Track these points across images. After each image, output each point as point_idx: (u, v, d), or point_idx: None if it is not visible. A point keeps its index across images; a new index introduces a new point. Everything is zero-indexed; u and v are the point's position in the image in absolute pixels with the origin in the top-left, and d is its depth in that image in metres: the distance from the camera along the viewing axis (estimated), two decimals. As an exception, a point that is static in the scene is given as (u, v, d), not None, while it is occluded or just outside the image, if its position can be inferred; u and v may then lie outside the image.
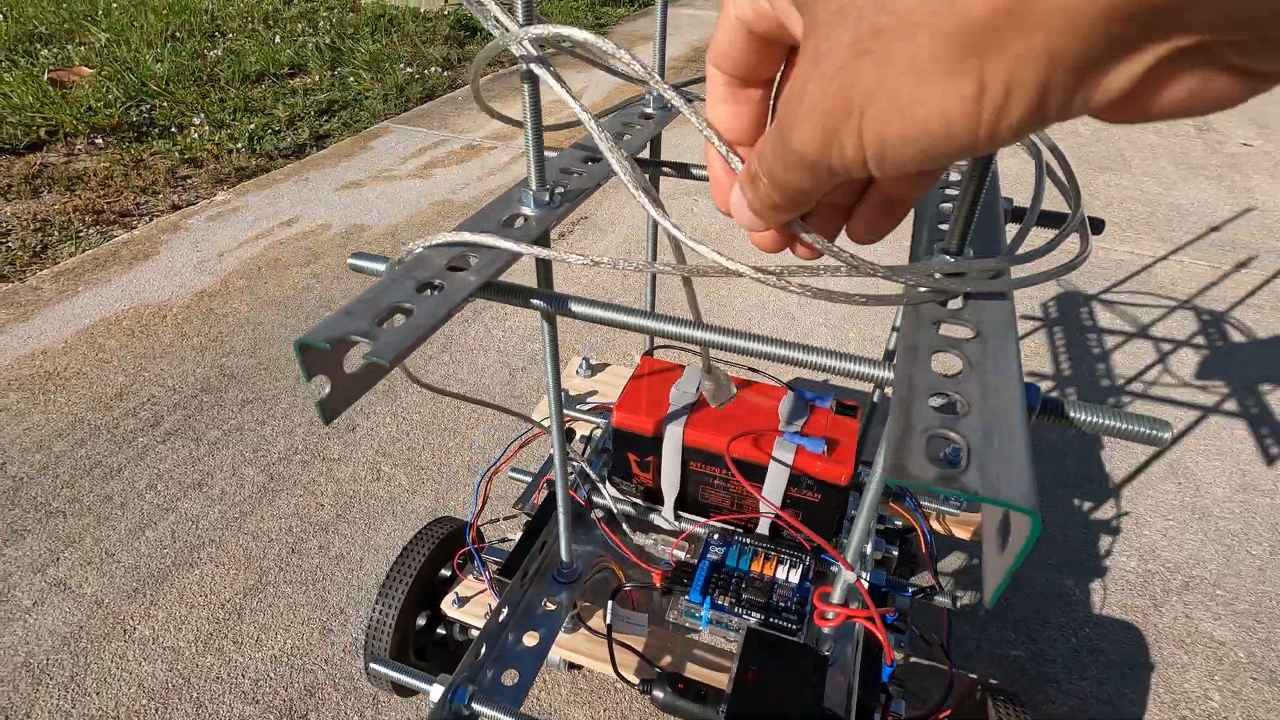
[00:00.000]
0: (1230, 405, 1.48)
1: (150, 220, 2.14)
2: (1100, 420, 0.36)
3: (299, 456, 1.32)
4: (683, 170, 0.67)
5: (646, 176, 0.41)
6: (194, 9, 4.31)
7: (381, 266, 0.47)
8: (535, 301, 0.45)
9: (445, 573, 0.91)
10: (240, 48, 3.65)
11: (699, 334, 0.43)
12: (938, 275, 0.40)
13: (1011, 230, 0.57)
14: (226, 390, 1.47)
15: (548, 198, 0.50)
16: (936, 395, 0.33)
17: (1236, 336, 1.69)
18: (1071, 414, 0.37)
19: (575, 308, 0.45)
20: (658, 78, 0.38)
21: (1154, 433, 0.36)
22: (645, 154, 0.71)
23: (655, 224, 0.77)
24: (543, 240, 0.50)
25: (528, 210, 0.49)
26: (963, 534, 0.85)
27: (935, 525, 0.85)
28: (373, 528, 1.19)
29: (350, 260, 0.49)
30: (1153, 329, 1.72)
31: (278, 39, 3.81)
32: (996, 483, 0.28)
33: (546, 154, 0.58)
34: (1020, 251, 0.44)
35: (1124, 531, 1.21)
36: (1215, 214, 2.26)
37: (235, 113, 2.90)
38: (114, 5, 4.32)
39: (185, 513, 1.21)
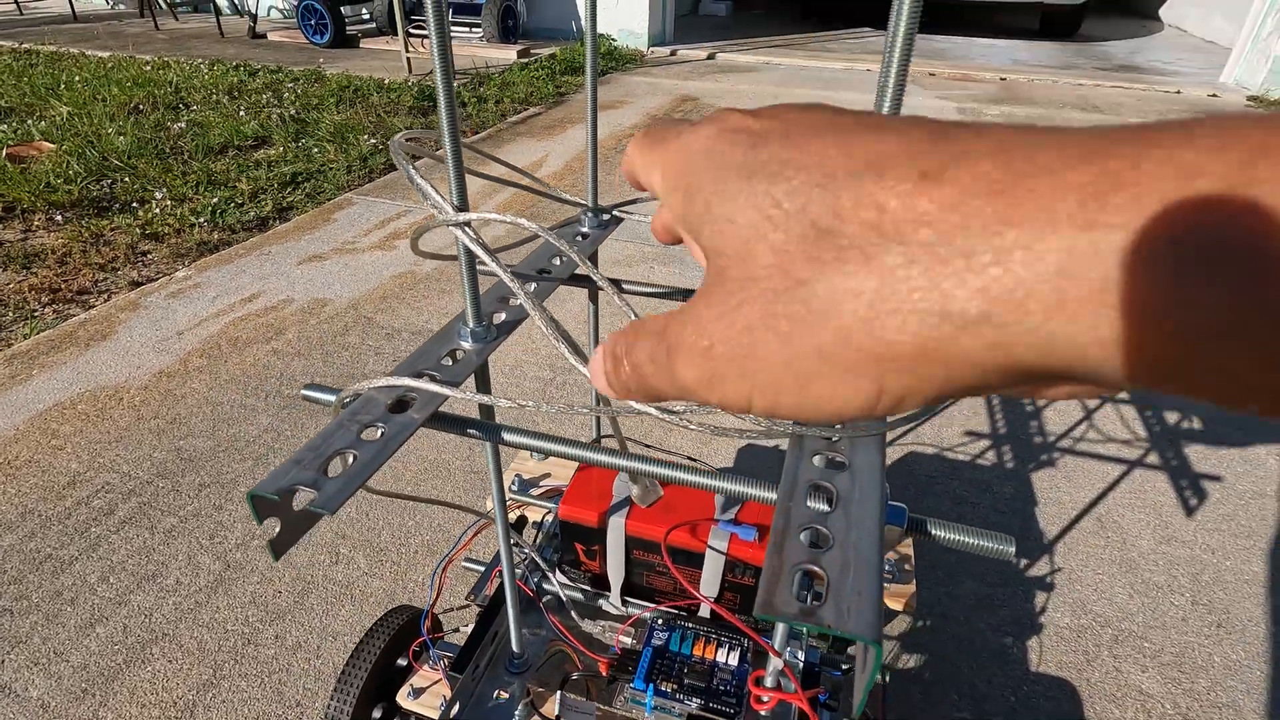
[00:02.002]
0: (1152, 458, 1.58)
1: (108, 299, 2.14)
2: (957, 536, 0.42)
3: (256, 542, 1.32)
4: (616, 285, 0.74)
5: (563, 329, 0.47)
6: (158, 81, 4.37)
7: (331, 398, 0.51)
8: (472, 432, 0.50)
9: (401, 662, 0.93)
10: (204, 120, 3.71)
11: (622, 462, 0.48)
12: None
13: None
14: (183, 475, 1.47)
15: (483, 332, 0.55)
16: (808, 529, 0.38)
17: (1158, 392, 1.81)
18: (933, 531, 0.43)
19: (509, 437, 0.50)
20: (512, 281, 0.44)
21: (1000, 546, 0.42)
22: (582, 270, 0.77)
23: (595, 322, 0.83)
24: (481, 371, 0.56)
25: (465, 344, 0.55)
26: (895, 605, 0.90)
27: (869, 598, 0.90)
28: (330, 614, 1.20)
29: (303, 392, 0.53)
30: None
31: (242, 111, 3.89)
32: (847, 616, 0.33)
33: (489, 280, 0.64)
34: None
35: (1058, 587, 1.28)
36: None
37: (198, 186, 2.94)
38: (77, 79, 4.36)
39: (138, 606, 1.20)
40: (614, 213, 0.78)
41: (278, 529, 0.43)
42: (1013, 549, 0.42)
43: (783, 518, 0.39)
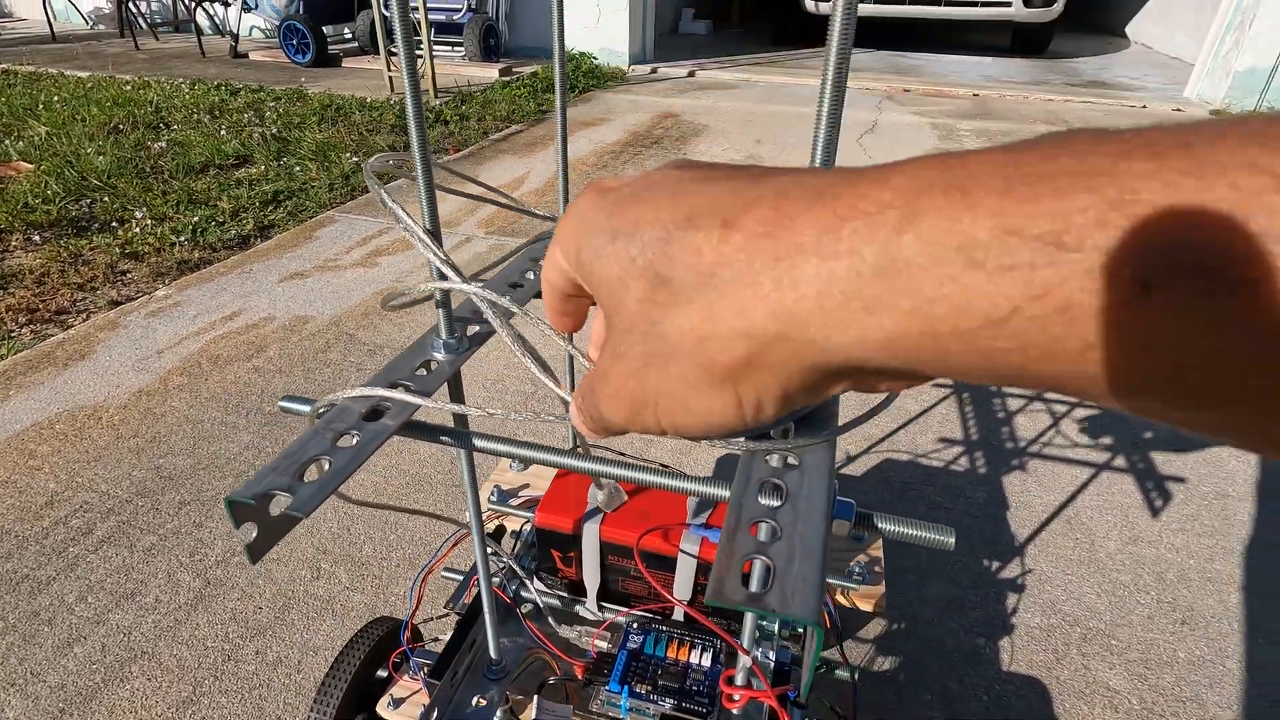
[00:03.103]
0: (1119, 461, 1.63)
1: (87, 318, 2.14)
2: (900, 529, 0.45)
3: (236, 559, 1.32)
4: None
5: (529, 344, 0.49)
6: (138, 101, 4.37)
7: (307, 408, 0.53)
8: (445, 439, 0.53)
9: (382, 673, 0.94)
10: (185, 139, 3.72)
11: (587, 465, 0.50)
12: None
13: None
14: (163, 493, 1.47)
15: (456, 343, 0.57)
16: (760, 522, 0.41)
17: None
18: (878, 524, 0.46)
19: (479, 443, 0.52)
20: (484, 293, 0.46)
21: (941, 538, 0.44)
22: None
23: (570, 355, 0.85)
24: (454, 380, 0.58)
25: (439, 355, 0.57)
26: (866, 606, 0.93)
27: (840, 599, 0.92)
28: (311, 628, 1.20)
29: (280, 403, 0.55)
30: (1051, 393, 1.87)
31: (223, 130, 3.89)
32: (790, 600, 0.36)
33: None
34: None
35: (1029, 588, 1.31)
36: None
37: (178, 205, 2.94)
38: (55, 99, 4.35)
39: (117, 625, 1.20)
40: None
41: (254, 534, 0.45)
42: (952, 540, 0.44)
43: (735, 513, 0.42)
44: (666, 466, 0.93)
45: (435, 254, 0.49)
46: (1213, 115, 4.92)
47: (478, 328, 0.62)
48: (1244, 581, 1.32)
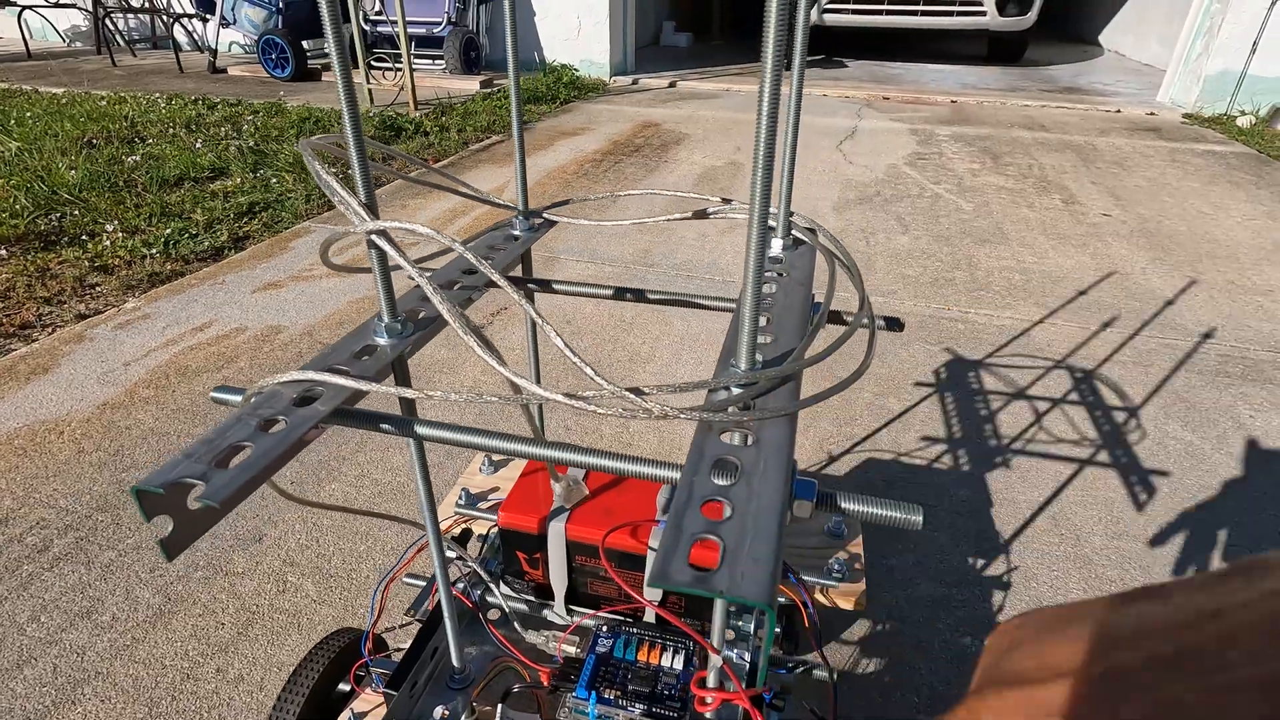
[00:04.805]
0: (1102, 456, 1.61)
1: (52, 332, 2.08)
2: (866, 509, 0.42)
3: (199, 573, 1.27)
4: (545, 286, 0.73)
5: (472, 323, 0.47)
6: (113, 116, 4.32)
7: (239, 399, 0.50)
8: (386, 427, 0.49)
9: (344, 687, 0.89)
10: (160, 153, 3.67)
11: (534, 450, 0.47)
12: (732, 389, 0.46)
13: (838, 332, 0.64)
14: (124, 507, 1.42)
15: (400, 327, 0.54)
16: (711, 501, 0.38)
17: (1105, 391, 1.85)
18: (842, 504, 0.43)
19: (422, 430, 0.49)
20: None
21: (909, 516, 0.42)
22: (518, 271, 0.77)
23: (534, 338, 0.82)
24: (399, 365, 0.55)
25: (380, 340, 0.54)
26: (846, 604, 0.90)
27: (820, 598, 0.89)
28: (276, 644, 1.15)
29: (212, 394, 0.52)
30: (1033, 389, 1.86)
31: (199, 144, 3.85)
32: (740, 582, 0.33)
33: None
34: (811, 354, 0.51)
35: (1015, 586, 1.28)
36: (1082, 279, 2.50)
37: (151, 218, 2.89)
38: (28, 115, 4.29)
39: (70, 644, 1.15)
40: (545, 215, 0.78)
41: (170, 528, 0.41)
42: (919, 518, 0.42)
43: (685, 491, 0.39)
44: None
45: (378, 240, 0.46)
46: (1185, 119, 5.00)
47: (423, 314, 0.59)
48: (1231, 574, 1.30)
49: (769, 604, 0.32)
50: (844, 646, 1.16)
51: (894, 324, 0.64)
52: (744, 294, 0.45)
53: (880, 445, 1.63)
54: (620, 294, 0.72)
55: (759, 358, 0.48)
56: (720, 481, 0.40)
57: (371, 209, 0.48)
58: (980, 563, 1.33)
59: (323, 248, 0.56)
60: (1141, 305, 2.31)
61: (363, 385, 0.47)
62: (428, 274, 0.47)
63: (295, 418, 0.45)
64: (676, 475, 0.42)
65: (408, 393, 0.46)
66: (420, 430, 0.49)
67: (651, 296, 0.72)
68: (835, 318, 0.65)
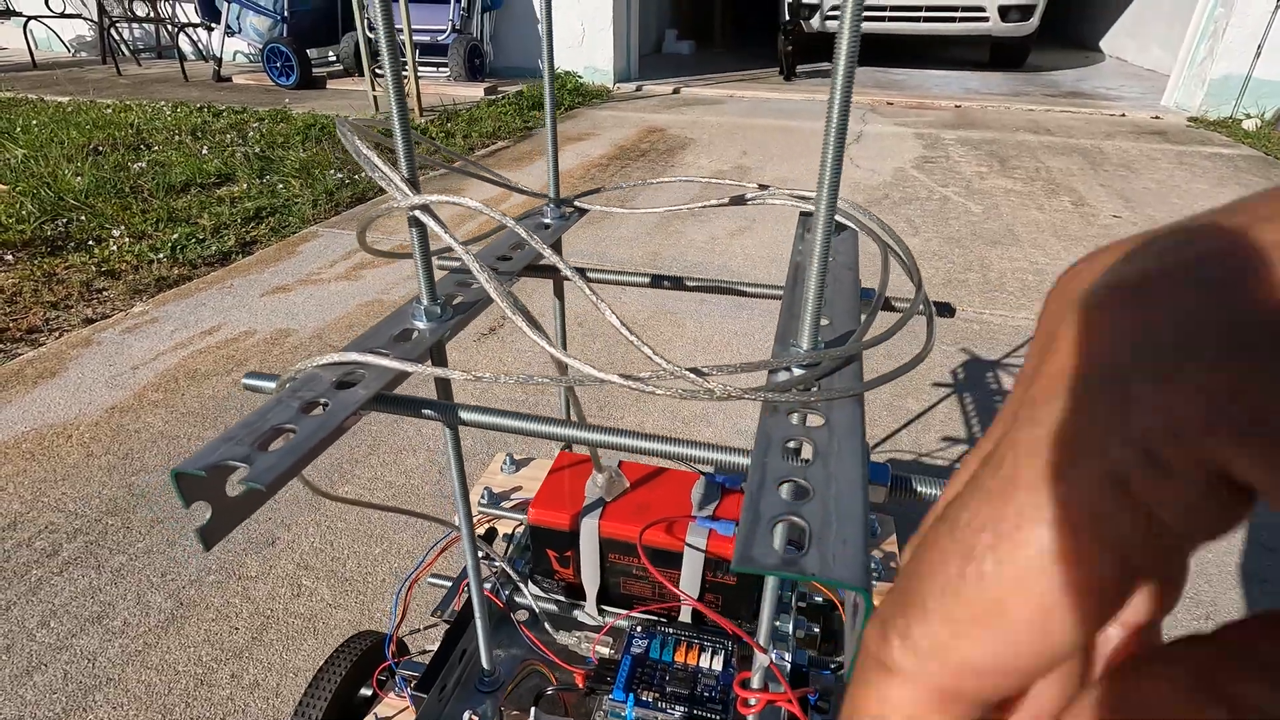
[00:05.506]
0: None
1: (60, 336, 2.06)
2: (940, 492, 0.40)
3: (212, 577, 1.25)
4: (580, 274, 0.71)
5: (519, 302, 0.44)
6: (119, 123, 4.32)
7: (273, 385, 0.48)
8: (427, 412, 0.47)
9: (366, 691, 0.87)
10: (166, 159, 3.66)
11: (582, 434, 0.45)
12: (794, 370, 0.44)
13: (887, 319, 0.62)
14: (135, 511, 1.39)
15: (439, 311, 0.52)
16: (786, 482, 0.36)
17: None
18: (918, 488, 0.41)
19: (466, 415, 0.47)
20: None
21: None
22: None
23: (563, 328, 0.80)
24: (437, 350, 0.53)
25: (420, 324, 0.52)
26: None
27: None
28: (291, 649, 1.12)
29: (243, 380, 0.50)
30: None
31: (205, 150, 3.85)
32: (832, 564, 0.31)
33: (450, 265, 0.61)
34: (869, 337, 0.49)
35: (1044, 587, 1.26)
36: (1096, 280, 2.48)
37: (158, 223, 2.87)
38: (34, 123, 4.30)
39: (81, 650, 1.12)
40: (576, 204, 0.76)
41: (208, 515, 0.39)
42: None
43: (758, 472, 0.37)
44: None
45: (422, 215, 0.44)
46: (1190, 123, 4.99)
47: (461, 298, 0.56)
48: (1263, 575, 1.28)
49: (865, 587, 0.30)
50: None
51: (945, 309, 0.62)
52: (808, 272, 0.43)
53: (901, 445, 1.61)
54: (658, 281, 0.70)
55: (821, 338, 0.46)
56: (793, 462, 0.37)
57: (414, 184, 0.46)
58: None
59: (359, 230, 0.54)
60: (1157, 305, 2.29)
61: (406, 366, 0.45)
62: (472, 252, 0.45)
63: (337, 401, 0.43)
64: (745, 461, 0.40)
65: (455, 374, 0.44)
66: (464, 415, 0.46)
67: (690, 284, 0.70)
68: (884, 303, 0.62)
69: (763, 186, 0.73)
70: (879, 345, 0.49)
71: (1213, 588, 1.25)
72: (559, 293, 0.79)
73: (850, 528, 0.33)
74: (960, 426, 1.69)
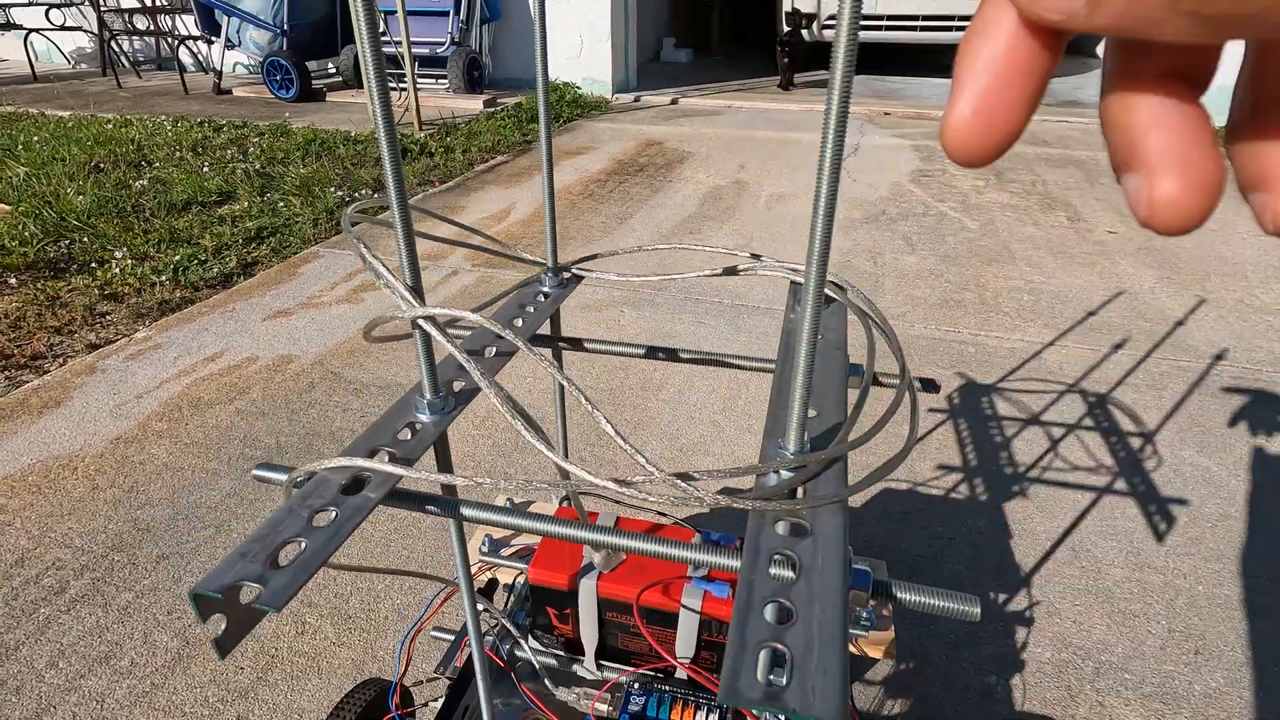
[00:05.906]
0: (1120, 485, 1.60)
1: (64, 363, 2.08)
2: (922, 599, 0.42)
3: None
4: (576, 345, 0.73)
5: (519, 405, 0.46)
6: (120, 139, 4.35)
7: (284, 477, 0.50)
8: (431, 508, 0.49)
9: (370, 741, 0.89)
10: (167, 177, 3.69)
11: (584, 534, 0.47)
12: (781, 473, 0.46)
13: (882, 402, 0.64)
14: (140, 546, 1.41)
15: (441, 403, 0.54)
16: (771, 603, 0.38)
17: (1119, 415, 1.85)
18: (898, 594, 0.43)
19: (468, 513, 0.49)
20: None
21: (966, 608, 0.41)
22: (545, 329, 0.77)
23: (560, 388, 0.82)
24: (441, 442, 0.55)
25: (423, 417, 0.54)
26: (875, 654, 0.89)
27: (850, 649, 0.88)
28: (296, 689, 1.14)
29: (254, 472, 0.52)
30: (1046, 414, 1.86)
31: (206, 167, 3.87)
32: (812, 698, 0.33)
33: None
34: (855, 435, 0.51)
35: (1037, 621, 1.28)
36: (1091, 299, 2.50)
37: (160, 244, 2.90)
38: (35, 139, 4.32)
39: (90, 691, 1.14)
40: (574, 270, 0.78)
41: (223, 626, 0.41)
42: (977, 610, 0.41)
43: (745, 591, 0.39)
44: (664, 515, 0.89)
45: (424, 325, 0.46)
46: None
47: (462, 384, 0.59)
48: (1253, 605, 1.30)
49: (842, 723, 0.32)
50: (869, 687, 1.15)
51: (929, 385, 0.64)
52: (794, 369, 0.45)
53: (895, 474, 1.63)
54: (652, 353, 0.72)
55: (808, 437, 0.48)
56: (779, 573, 0.39)
57: (418, 293, 0.48)
58: (1002, 597, 1.32)
59: (366, 329, 0.56)
60: (1151, 325, 2.31)
61: (409, 473, 0.47)
62: (475, 360, 0.47)
63: (346, 508, 0.45)
64: (736, 564, 0.42)
65: (457, 480, 0.46)
66: (466, 513, 0.48)
67: (684, 356, 0.72)
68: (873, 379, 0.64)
69: (755, 256, 0.75)
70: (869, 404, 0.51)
71: (1202, 620, 1.27)
72: (558, 358, 0.81)
73: (830, 655, 0.35)
74: (955, 453, 1.71)
